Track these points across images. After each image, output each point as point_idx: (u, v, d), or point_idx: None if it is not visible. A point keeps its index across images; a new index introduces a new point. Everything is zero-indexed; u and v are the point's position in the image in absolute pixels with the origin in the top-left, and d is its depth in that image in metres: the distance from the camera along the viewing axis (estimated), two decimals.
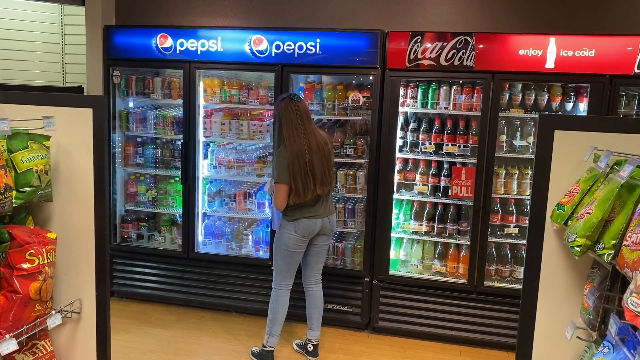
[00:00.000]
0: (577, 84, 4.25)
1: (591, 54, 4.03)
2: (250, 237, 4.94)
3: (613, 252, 1.55)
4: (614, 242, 1.55)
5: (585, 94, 4.23)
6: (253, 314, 4.87)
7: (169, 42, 4.70)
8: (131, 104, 5.21)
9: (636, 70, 4.00)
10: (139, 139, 5.14)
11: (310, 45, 4.46)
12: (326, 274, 4.67)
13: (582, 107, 4.26)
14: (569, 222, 1.82)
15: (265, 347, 4.08)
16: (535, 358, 2.06)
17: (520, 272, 4.42)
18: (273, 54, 4.53)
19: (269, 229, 4.82)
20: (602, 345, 1.54)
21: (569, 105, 4.31)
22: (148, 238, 5.20)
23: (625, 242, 1.46)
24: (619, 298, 1.77)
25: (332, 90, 4.62)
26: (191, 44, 4.66)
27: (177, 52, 4.70)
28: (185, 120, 4.79)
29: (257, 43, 4.54)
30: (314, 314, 4.18)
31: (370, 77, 4.46)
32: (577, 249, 1.64)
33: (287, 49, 4.50)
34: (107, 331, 2.32)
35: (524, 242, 4.38)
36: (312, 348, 4.21)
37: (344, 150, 4.63)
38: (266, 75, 4.76)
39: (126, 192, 5.20)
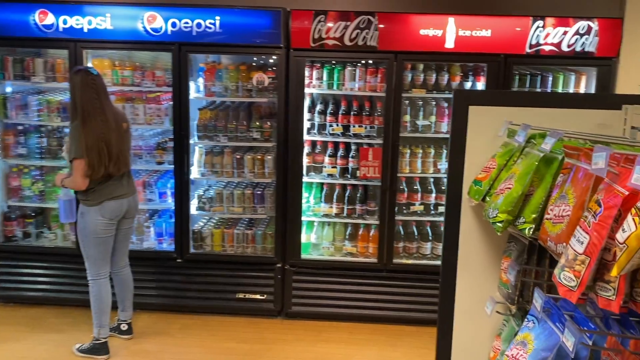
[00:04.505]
0: (475, 64, 4.39)
1: (487, 34, 4.17)
2: (152, 229, 4.65)
3: (534, 225, 1.56)
4: (534, 215, 1.56)
5: (482, 73, 4.38)
6: (159, 310, 4.60)
7: (50, 19, 4.24)
8: (9, 89, 4.67)
9: (528, 50, 4.20)
10: (20, 127, 4.63)
11: (210, 23, 4.22)
12: (237, 262, 4.56)
13: (480, 86, 4.42)
14: (487, 198, 1.82)
15: (98, 339, 3.89)
16: (456, 333, 2.08)
17: (426, 248, 4.54)
18: (169, 32, 4.23)
19: (173, 220, 4.56)
20: (526, 319, 1.55)
21: (468, 85, 4.45)
22: (36, 236, 4.73)
23: (547, 216, 1.47)
24: (537, 271, 1.81)
25: (235, 71, 4.43)
26: (76, 21, 4.24)
27: (60, 30, 4.26)
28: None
29: (151, 20, 4.22)
30: (126, 297, 4.10)
31: (275, 57, 4.32)
32: (499, 224, 1.63)
33: (185, 27, 4.23)
34: None
35: (429, 219, 4.51)
36: (126, 327, 4.14)
37: (251, 134, 4.47)
38: (163, 55, 4.46)
39: (8, 187, 4.67)
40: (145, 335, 4.24)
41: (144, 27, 4.22)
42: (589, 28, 4.12)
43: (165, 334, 4.29)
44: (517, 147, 1.78)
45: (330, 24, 4.19)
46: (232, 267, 4.58)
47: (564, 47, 4.17)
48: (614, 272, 1.02)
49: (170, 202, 4.62)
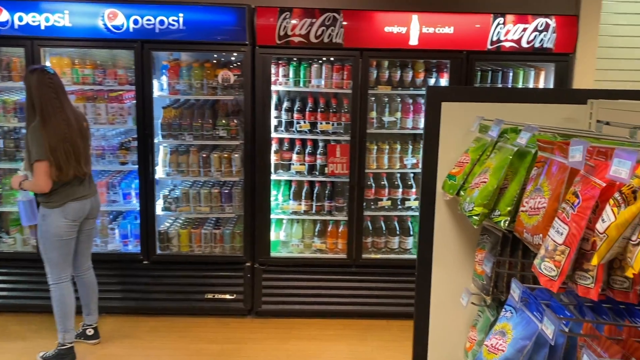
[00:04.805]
0: (438, 60, 4.47)
1: (450, 31, 4.24)
2: (116, 231, 4.55)
3: (509, 218, 1.60)
4: (509, 208, 1.61)
5: (445, 70, 4.46)
6: (127, 313, 4.50)
7: (4, 16, 4.08)
8: None
9: (489, 47, 4.29)
10: None
11: (173, 20, 4.14)
12: (205, 262, 4.51)
13: (443, 82, 4.49)
14: (462, 192, 1.86)
15: (63, 345, 3.80)
16: (432, 325, 2.12)
17: (394, 242, 4.59)
18: (131, 30, 4.14)
19: (138, 221, 4.47)
20: (503, 310, 1.59)
21: (432, 81, 4.51)
22: None
23: (522, 208, 1.51)
24: (510, 262, 1.86)
25: (199, 68, 4.37)
26: (33, 18, 4.09)
27: (16, 27, 4.10)
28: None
29: (112, 17, 4.11)
30: (91, 300, 4.02)
31: (239, 54, 4.29)
32: (476, 217, 1.67)
33: (147, 24, 4.14)
34: None
35: (396, 213, 4.57)
36: (92, 332, 4.06)
37: (217, 132, 4.42)
38: (125, 53, 4.35)
39: None
40: (113, 339, 4.15)
41: (105, 25, 4.11)
42: (547, 25, 4.25)
43: (133, 337, 4.21)
44: (489, 142, 1.82)
45: (295, 21, 4.18)
46: (200, 267, 4.53)
47: (524, 44, 4.29)
48: (595, 260, 1.06)
49: (135, 203, 4.52)
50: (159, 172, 4.49)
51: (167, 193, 4.59)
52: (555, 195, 1.36)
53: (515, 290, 1.52)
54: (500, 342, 1.50)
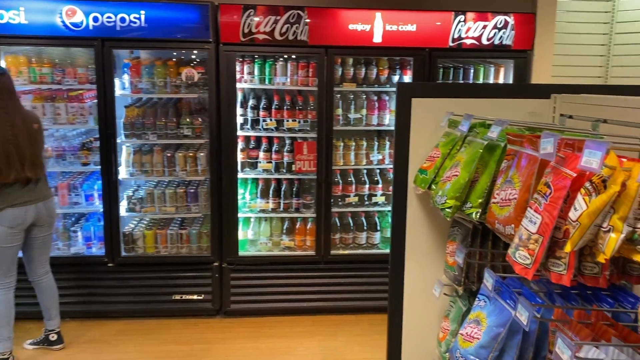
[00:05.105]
0: (401, 58, 4.53)
1: (413, 28, 4.31)
2: (79, 233, 4.43)
3: (480, 210, 1.65)
4: (480, 200, 1.65)
5: (409, 67, 4.53)
6: (92, 317, 4.41)
7: None
8: None
9: (451, 44, 4.38)
10: None
11: (134, 18, 4.06)
12: (172, 263, 4.46)
13: (407, 79, 4.56)
14: (433, 186, 1.90)
15: (3, 354, 3.66)
16: (406, 317, 2.15)
17: (361, 238, 4.64)
18: (91, 27, 4.04)
19: (101, 223, 4.38)
20: (477, 299, 1.64)
21: (395, 78, 4.57)
22: None
23: (493, 200, 1.56)
24: (481, 253, 1.91)
25: (162, 66, 4.30)
26: None
27: None
28: None
29: (71, 14, 4.00)
30: (51, 305, 3.92)
31: (203, 52, 4.24)
32: (449, 210, 1.71)
33: (108, 22, 4.05)
34: None
35: (364, 209, 4.62)
36: (55, 337, 3.96)
37: (181, 131, 4.36)
38: (84, 51, 4.25)
39: None
40: (79, 344, 4.05)
41: (63, 22, 4.00)
42: (506, 22, 4.37)
43: (100, 341, 4.12)
44: (459, 136, 1.87)
45: (260, 18, 4.16)
46: (167, 268, 4.47)
47: (484, 41, 4.39)
48: (568, 247, 1.11)
49: (98, 205, 4.42)
50: (122, 173, 4.41)
51: (131, 194, 4.50)
52: (525, 187, 1.41)
53: (489, 280, 1.57)
54: (475, 331, 1.54)
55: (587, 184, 1.09)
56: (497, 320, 1.49)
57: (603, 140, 1.04)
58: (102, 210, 4.34)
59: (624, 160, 1.10)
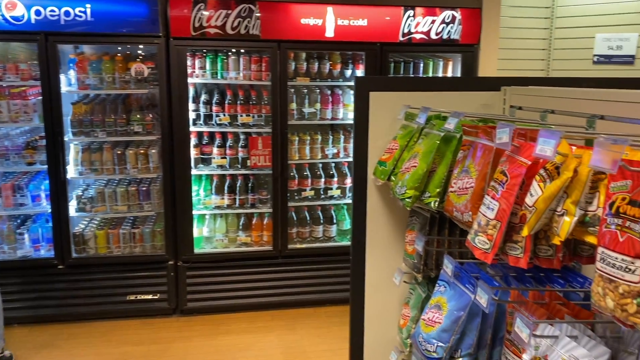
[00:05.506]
0: (353, 52, 4.58)
1: (364, 23, 4.36)
2: (26, 235, 4.27)
3: (439, 199, 1.70)
4: (438, 190, 1.71)
5: (361, 61, 4.58)
6: (43, 322, 4.26)
7: None
8: None
9: (401, 38, 4.46)
10: None
11: (80, 11, 3.93)
12: (125, 263, 4.36)
13: (359, 74, 4.61)
14: (392, 177, 1.94)
15: None
16: (367, 305, 2.20)
17: (318, 231, 4.68)
18: (33, 21, 3.88)
19: (50, 224, 4.23)
20: (437, 285, 1.70)
21: (348, 72, 4.62)
22: None
23: (451, 189, 1.62)
24: (438, 240, 1.98)
25: (110, 61, 4.19)
26: None
27: None
28: None
29: (11, 8, 3.84)
30: None
31: (152, 47, 4.15)
32: (408, 200, 1.76)
33: (51, 15, 3.90)
34: None
35: (320, 203, 4.66)
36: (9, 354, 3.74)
37: (131, 128, 4.26)
38: (27, 46, 4.08)
39: None
40: (29, 351, 3.91)
41: (3, 15, 3.83)
42: (454, 17, 4.49)
43: (51, 346, 3.99)
44: (416, 129, 1.92)
45: (211, 12, 4.12)
46: (121, 268, 4.37)
47: (433, 35, 4.50)
48: (525, 231, 1.17)
49: (45, 205, 4.27)
50: (71, 172, 4.27)
51: (81, 193, 4.37)
52: (482, 175, 1.47)
53: (448, 266, 1.63)
54: (436, 315, 1.60)
55: (542, 171, 1.15)
56: (457, 305, 1.55)
57: (556, 130, 1.10)
58: (50, 211, 4.20)
59: (574, 148, 1.17)
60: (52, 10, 3.89)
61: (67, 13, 3.92)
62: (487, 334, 1.52)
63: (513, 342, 1.34)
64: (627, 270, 0.92)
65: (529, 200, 1.16)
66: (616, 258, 0.94)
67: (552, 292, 1.45)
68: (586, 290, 1.45)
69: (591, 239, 1.09)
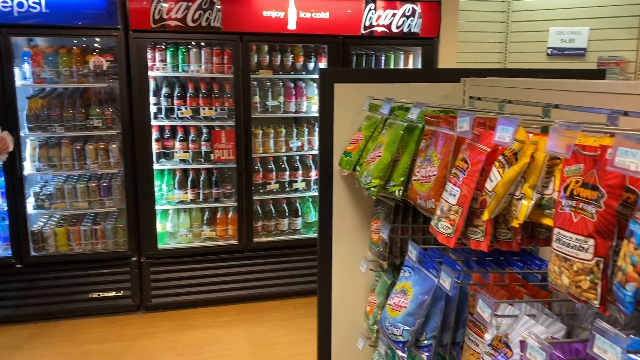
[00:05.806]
0: (316, 45, 4.59)
1: (326, 16, 4.38)
2: None
3: (403, 187, 1.75)
4: (402, 178, 1.75)
5: (323, 54, 4.60)
6: (1, 323, 4.14)
7: None
8: None
9: (363, 32, 4.50)
10: None
11: (34, 3, 3.82)
12: (87, 261, 4.28)
13: (322, 66, 4.63)
14: (358, 167, 1.98)
15: None
16: (334, 294, 2.23)
17: (283, 224, 4.69)
18: None
19: (7, 222, 4.11)
20: (402, 270, 1.74)
21: (311, 65, 4.64)
22: None
23: (414, 177, 1.66)
24: (403, 228, 2.03)
25: (67, 54, 4.08)
26: None
27: None
28: None
29: None
30: None
31: (111, 39, 4.07)
32: (374, 189, 1.80)
33: (3, 7, 3.77)
34: None
35: (285, 196, 4.67)
36: None
37: (90, 122, 4.17)
38: None
39: None
40: None
41: None
42: (414, 11, 4.55)
43: (11, 347, 3.88)
44: (380, 120, 1.96)
45: (170, 4, 4.06)
46: (82, 266, 4.28)
47: (394, 29, 4.56)
48: (485, 215, 1.22)
49: (1, 203, 4.14)
50: (28, 168, 4.15)
51: (39, 190, 4.26)
52: (444, 163, 1.52)
53: (413, 252, 1.67)
54: (402, 300, 1.65)
55: (501, 157, 1.20)
56: (421, 289, 1.60)
57: (514, 117, 1.15)
58: (6, 208, 4.07)
59: (531, 135, 1.22)
60: (5, 2, 3.77)
61: (20, 4, 3.80)
62: (451, 316, 1.57)
63: (476, 322, 1.39)
64: (580, 249, 0.97)
65: (488, 185, 1.21)
66: (570, 238, 0.99)
67: (511, 274, 1.51)
68: (543, 272, 1.52)
69: (548, 221, 1.15)
